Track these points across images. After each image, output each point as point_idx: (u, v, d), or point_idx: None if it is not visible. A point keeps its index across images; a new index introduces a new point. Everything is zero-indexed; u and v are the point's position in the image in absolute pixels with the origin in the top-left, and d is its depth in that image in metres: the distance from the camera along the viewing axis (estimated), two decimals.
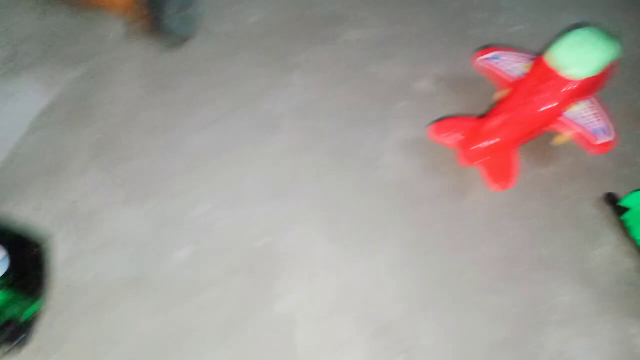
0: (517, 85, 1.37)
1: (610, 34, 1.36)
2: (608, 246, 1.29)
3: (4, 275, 1.04)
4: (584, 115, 1.32)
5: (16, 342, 1.05)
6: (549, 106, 1.29)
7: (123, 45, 1.66)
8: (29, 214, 1.29)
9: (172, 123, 1.50)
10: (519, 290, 1.24)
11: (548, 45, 1.36)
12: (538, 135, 1.38)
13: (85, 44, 1.66)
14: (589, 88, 1.32)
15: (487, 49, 1.52)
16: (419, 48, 1.69)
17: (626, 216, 1.29)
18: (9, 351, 1.05)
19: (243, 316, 1.18)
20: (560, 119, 1.33)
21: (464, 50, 1.63)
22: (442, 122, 1.39)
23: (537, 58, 1.37)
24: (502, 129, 1.27)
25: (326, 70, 1.63)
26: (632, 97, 1.57)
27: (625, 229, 1.29)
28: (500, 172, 1.29)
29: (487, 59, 1.47)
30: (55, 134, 1.45)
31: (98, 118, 1.50)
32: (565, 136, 1.37)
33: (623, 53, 1.69)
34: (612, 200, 1.33)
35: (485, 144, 1.28)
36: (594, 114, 1.31)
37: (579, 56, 1.27)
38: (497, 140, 1.28)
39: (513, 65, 1.44)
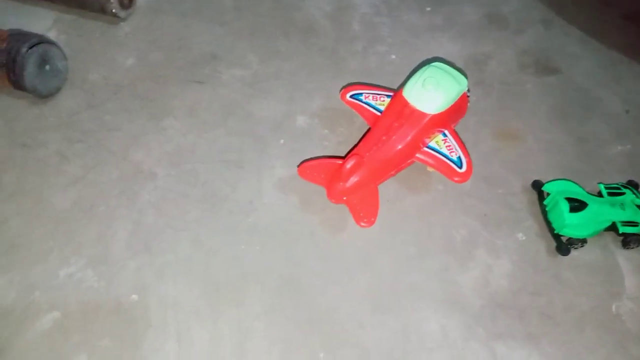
0: (376, 122, 1.41)
1: (457, 68, 1.44)
2: (479, 268, 1.34)
3: None
4: (440, 147, 1.37)
5: None
6: (405, 142, 1.34)
7: None
8: None
9: (36, 183, 1.43)
10: (392, 321, 1.26)
11: (405, 80, 1.41)
12: (402, 170, 1.42)
13: None
14: (443, 121, 1.38)
15: (350, 86, 1.56)
16: (296, 83, 1.71)
17: (546, 201, 1.43)
18: None
19: None
20: (420, 152, 1.38)
21: (340, 83, 1.67)
22: (307, 163, 1.41)
23: (395, 93, 1.43)
24: (359, 168, 1.30)
25: (201, 113, 1.61)
26: (499, 117, 1.65)
27: (545, 213, 1.42)
28: (363, 210, 1.32)
29: (351, 95, 1.50)
30: None
31: None
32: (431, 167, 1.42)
33: (492, 74, 1.79)
34: (537, 186, 1.47)
35: (347, 183, 1.30)
36: (448, 146, 1.37)
37: (427, 93, 1.33)
38: (356, 178, 1.30)
39: (374, 102, 1.48)
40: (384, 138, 1.33)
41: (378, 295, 1.29)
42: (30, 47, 1.51)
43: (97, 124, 1.56)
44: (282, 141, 1.55)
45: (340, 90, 1.56)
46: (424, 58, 1.77)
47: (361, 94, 1.50)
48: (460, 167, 1.35)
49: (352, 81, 1.67)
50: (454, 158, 1.36)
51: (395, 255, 1.36)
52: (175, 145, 1.53)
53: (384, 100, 1.46)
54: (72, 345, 1.18)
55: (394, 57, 1.80)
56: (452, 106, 1.36)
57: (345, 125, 1.59)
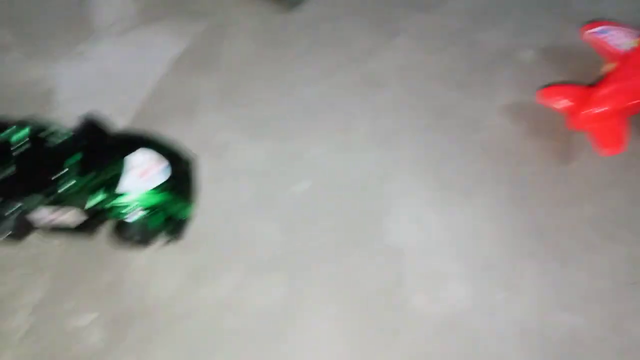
0: (626, 58, 1.42)
1: None
2: None
3: (167, 180, 1.24)
4: None
5: (174, 236, 1.25)
6: None
7: (243, 4, 1.81)
8: (172, 140, 1.45)
9: (287, 75, 1.64)
10: (619, 250, 1.30)
11: None
12: None
13: (207, 2, 1.82)
14: None
15: (595, 22, 1.55)
16: (522, 19, 1.74)
17: None
18: (168, 242, 1.25)
19: (355, 241, 1.32)
20: None
21: (567, 23, 1.67)
22: (553, 87, 1.45)
23: None
24: (612, 97, 1.34)
25: (429, 36, 1.71)
26: None
27: None
28: (610, 138, 1.35)
29: (595, 32, 1.51)
30: (187, 78, 1.63)
31: (222, 67, 1.67)
32: None
33: None
34: None
35: (596, 110, 1.34)
36: None
37: None
38: (607, 107, 1.33)
39: (621, 40, 1.47)
40: (638, 73, 1.36)
41: (604, 224, 1.33)
42: None
43: (335, 34, 1.73)
44: (507, 71, 1.61)
45: (582, 27, 1.56)
46: None
47: (607, 31, 1.49)
48: None
49: (582, 22, 1.65)
50: None
51: (623, 192, 1.37)
52: (404, 61, 1.66)
53: (632, 39, 1.45)
54: (321, 210, 1.37)
55: (624, 7, 1.73)
56: None
57: (575, 63, 1.59)
